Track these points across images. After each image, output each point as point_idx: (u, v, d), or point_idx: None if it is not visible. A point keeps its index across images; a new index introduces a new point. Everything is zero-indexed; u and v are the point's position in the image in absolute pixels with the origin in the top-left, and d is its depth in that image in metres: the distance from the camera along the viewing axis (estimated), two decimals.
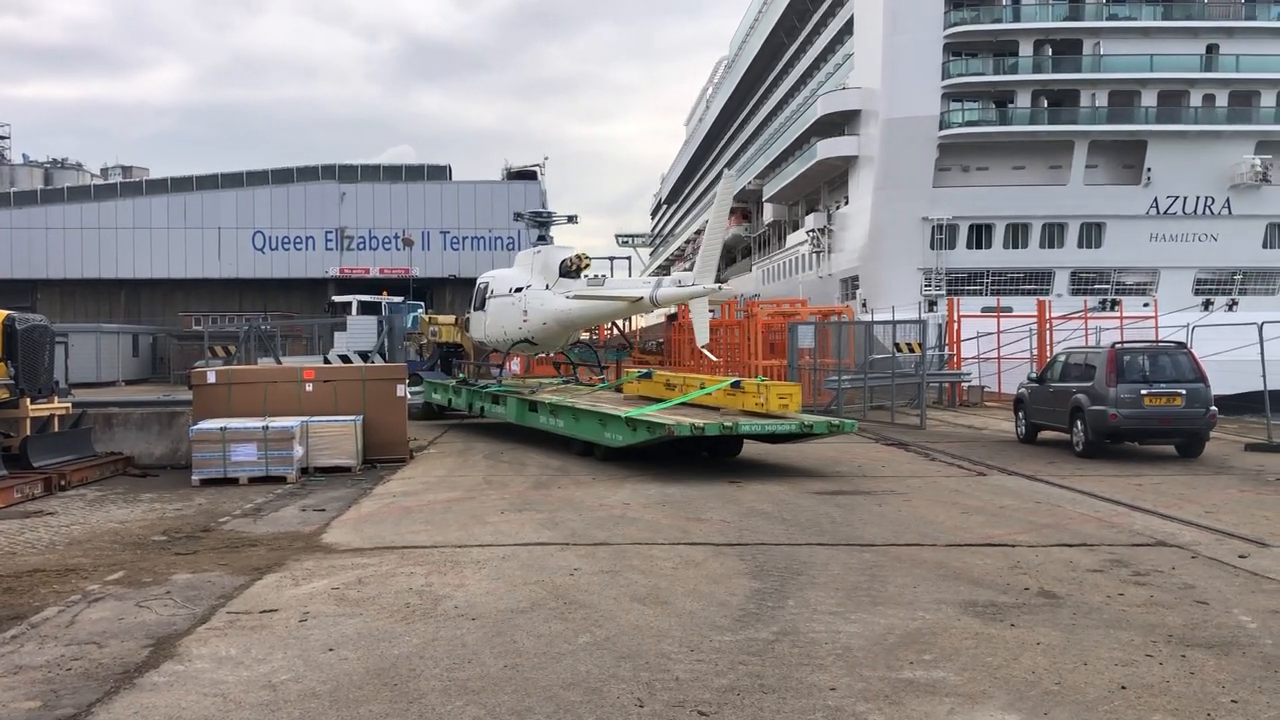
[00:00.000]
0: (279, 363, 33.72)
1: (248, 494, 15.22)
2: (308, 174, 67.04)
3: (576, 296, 21.13)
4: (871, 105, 57.41)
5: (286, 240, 65.62)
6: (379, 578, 9.54)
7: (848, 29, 62.63)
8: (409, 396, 19.99)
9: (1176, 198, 54.46)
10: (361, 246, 65.51)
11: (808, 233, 65.92)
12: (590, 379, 24.82)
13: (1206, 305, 52.70)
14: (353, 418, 17.98)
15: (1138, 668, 6.80)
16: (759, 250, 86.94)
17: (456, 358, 27.91)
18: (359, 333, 36.60)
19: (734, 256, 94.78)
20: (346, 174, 67.03)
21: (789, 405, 17.26)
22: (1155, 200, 54.63)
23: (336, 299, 32.62)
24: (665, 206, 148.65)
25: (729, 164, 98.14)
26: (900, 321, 32.09)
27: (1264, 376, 19.85)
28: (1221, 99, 54.53)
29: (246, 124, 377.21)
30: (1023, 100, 55.54)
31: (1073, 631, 7.63)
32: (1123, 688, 6.41)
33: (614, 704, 6.19)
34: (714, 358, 27.65)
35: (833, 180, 64.74)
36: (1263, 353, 19.95)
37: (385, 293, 33.05)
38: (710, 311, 21.36)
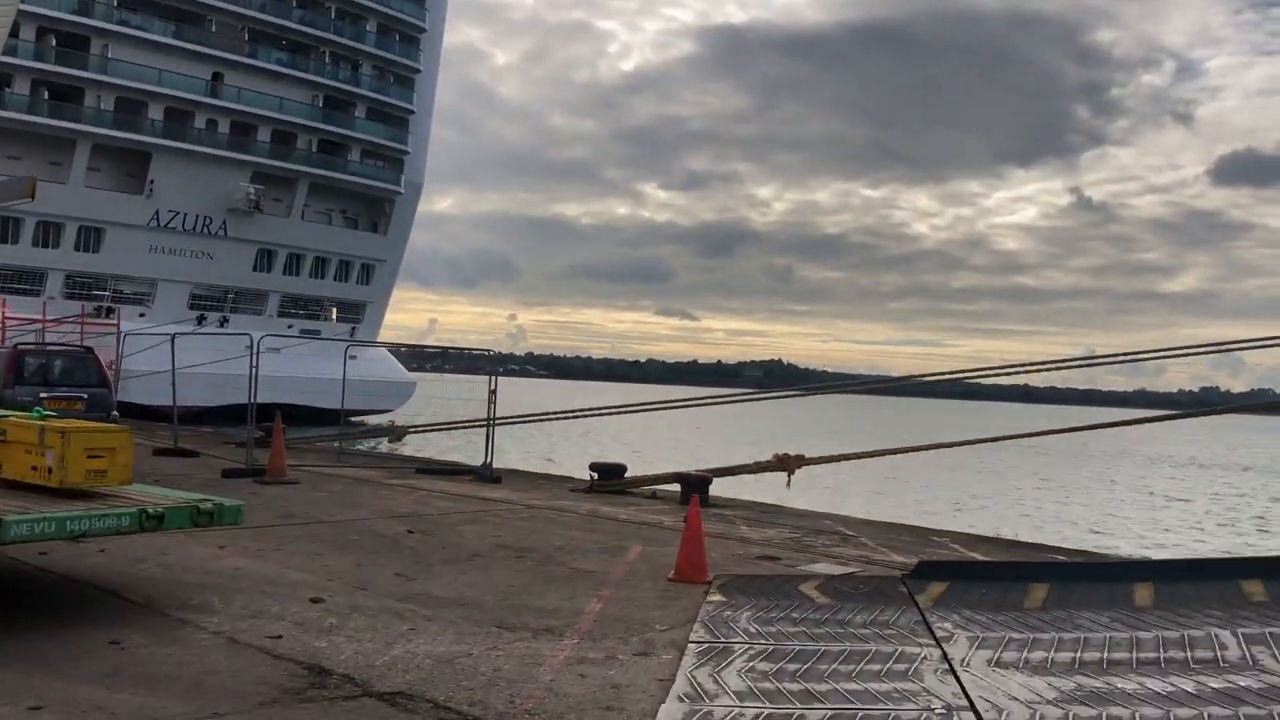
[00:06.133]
0: None
1: None
2: None
3: None
4: None
5: None
6: None
7: None
8: None
9: (178, 213, 56.10)
10: None
11: None
12: None
13: (201, 319, 55.25)
14: None
15: None
16: None
17: None
18: None
19: None
20: None
21: (108, 472, 8.10)
22: (157, 213, 55.57)
23: None
24: None
25: None
26: None
27: (174, 388, 20.86)
28: (224, 126, 57.72)
29: None
30: (21, 87, 52.15)
31: None
32: None
33: None
34: None
35: None
36: (173, 367, 20.65)
37: None
38: None
